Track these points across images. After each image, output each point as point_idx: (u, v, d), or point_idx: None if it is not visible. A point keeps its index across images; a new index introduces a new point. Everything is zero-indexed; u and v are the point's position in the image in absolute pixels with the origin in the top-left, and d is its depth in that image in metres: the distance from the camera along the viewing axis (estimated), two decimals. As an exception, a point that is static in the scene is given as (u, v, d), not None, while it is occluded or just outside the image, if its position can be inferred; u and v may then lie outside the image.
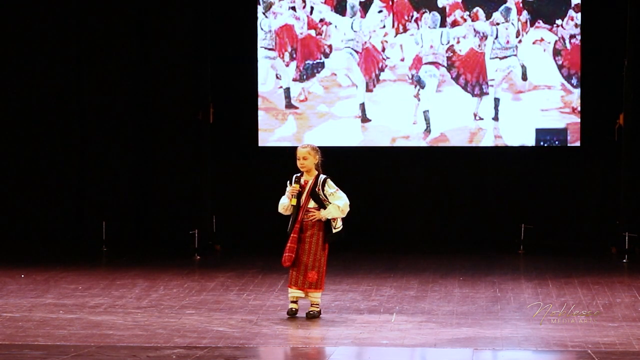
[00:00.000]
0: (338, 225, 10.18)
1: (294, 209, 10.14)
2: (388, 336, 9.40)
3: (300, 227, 10.12)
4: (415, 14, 15.96)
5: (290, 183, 10.20)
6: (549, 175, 16.24)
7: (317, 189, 10.07)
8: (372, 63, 16.06)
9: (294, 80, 16.18)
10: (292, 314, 10.18)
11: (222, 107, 15.80)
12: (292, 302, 10.23)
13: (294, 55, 16.17)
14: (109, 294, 11.69)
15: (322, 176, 10.15)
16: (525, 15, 15.81)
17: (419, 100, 16.03)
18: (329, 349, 8.89)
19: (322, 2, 16.08)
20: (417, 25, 15.95)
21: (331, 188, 10.10)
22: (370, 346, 9.02)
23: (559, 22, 15.79)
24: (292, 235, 10.13)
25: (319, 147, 10.28)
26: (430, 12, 15.93)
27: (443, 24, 15.93)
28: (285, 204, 10.20)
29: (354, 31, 16.04)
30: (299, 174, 10.19)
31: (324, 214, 10.09)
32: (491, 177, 16.29)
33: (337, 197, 10.10)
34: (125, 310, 10.62)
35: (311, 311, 10.18)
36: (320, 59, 16.15)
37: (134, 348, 8.81)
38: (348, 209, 10.12)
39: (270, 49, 16.19)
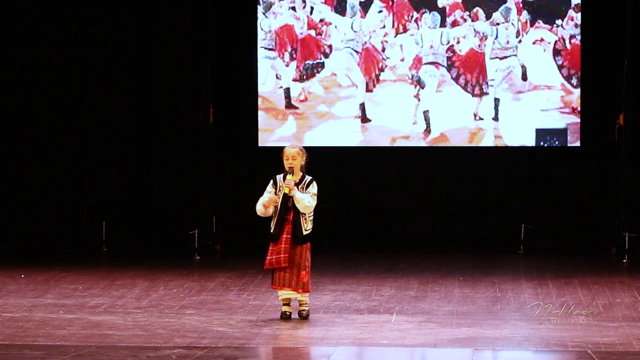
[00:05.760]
0: (308, 228, 10.11)
1: (280, 209, 10.08)
2: (388, 336, 9.40)
3: (291, 227, 10.09)
4: (415, 14, 15.96)
5: (274, 183, 10.12)
6: (549, 175, 16.23)
7: (300, 187, 10.05)
8: (372, 63, 16.06)
9: (294, 80, 16.18)
10: (287, 317, 10.16)
11: (222, 107, 15.80)
12: (285, 304, 10.18)
13: (294, 55, 16.17)
14: (109, 294, 11.69)
15: (309, 177, 10.14)
16: (525, 15, 15.81)
17: (419, 100, 16.03)
18: (329, 349, 8.89)
19: (322, 2, 16.08)
20: (417, 25, 15.95)
21: (314, 189, 10.08)
22: (370, 346, 9.02)
23: (559, 22, 15.79)
24: (284, 235, 10.09)
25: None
26: (430, 12, 15.93)
27: (443, 24, 15.93)
28: (263, 204, 10.13)
29: (354, 31, 16.04)
30: (284, 173, 10.12)
31: (296, 193, 9.96)
32: (491, 177, 16.28)
33: (312, 195, 10.03)
34: (125, 310, 10.62)
35: (303, 311, 10.17)
36: (320, 59, 16.15)
37: (134, 348, 8.80)
38: (309, 210, 10.01)
39: (270, 49, 16.19)
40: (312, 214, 10.15)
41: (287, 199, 10.04)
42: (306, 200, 9.99)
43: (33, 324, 9.88)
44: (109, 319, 10.14)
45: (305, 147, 10.40)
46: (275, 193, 10.12)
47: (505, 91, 15.92)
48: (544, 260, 14.57)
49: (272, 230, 10.12)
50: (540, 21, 15.81)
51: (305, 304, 10.19)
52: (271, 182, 10.18)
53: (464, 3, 15.89)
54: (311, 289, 10.32)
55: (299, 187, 10.05)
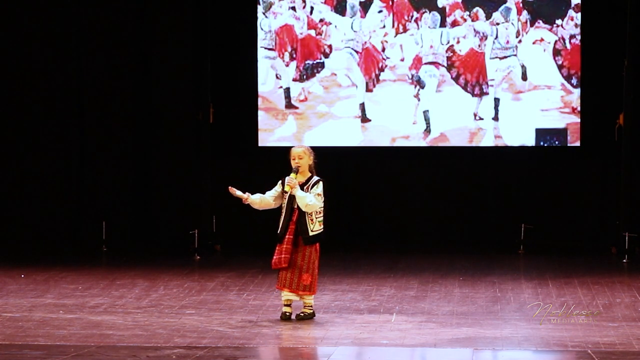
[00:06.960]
0: (316, 229, 10.07)
1: (286, 210, 10.09)
2: (388, 336, 9.39)
3: (295, 228, 10.09)
4: (415, 14, 15.96)
5: (282, 183, 10.13)
6: (549, 175, 16.23)
7: (306, 187, 10.04)
8: (372, 63, 16.06)
9: (294, 80, 16.18)
10: (286, 318, 10.14)
11: (222, 107, 15.80)
12: (286, 305, 10.16)
13: (294, 55, 16.17)
14: (109, 294, 11.69)
15: (316, 178, 10.12)
16: (525, 15, 15.81)
17: (419, 100, 16.04)
18: (329, 349, 8.89)
19: (322, 2, 16.08)
20: (417, 25, 15.95)
21: (318, 189, 10.03)
22: (370, 346, 9.02)
23: (559, 22, 15.79)
24: (287, 236, 10.08)
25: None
26: (430, 12, 15.93)
27: (443, 24, 15.93)
28: (257, 198, 10.15)
29: (354, 31, 16.04)
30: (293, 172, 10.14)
31: (296, 191, 9.96)
32: (491, 177, 16.28)
33: (316, 195, 10.00)
34: (125, 310, 10.62)
35: (302, 313, 10.13)
36: (320, 59, 16.15)
37: (134, 348, 8.81)
38: (311, 209, 9.94)
39: (270, 49, 16.19)
40: (320, 215, 10.09)
41: (292, 200, 10.03)
42: (307, 199, 9.97)
43: (33, 324, 9.88)
44: (109, 319, 10.14)
45: (306, 147, 10.37)
46: (282, 193, 10.11)
47: (505, 91, 15.92)
48: (544, 260, 14.56)
49: (278, 231, 10.13)
50: (540, 21, 15.81)
51: (310, 306, 10.15)
52: (279, 182, 10.16)
53: (464, 3, 15.89)
54: (316, 291, 10.27)
55: (305, 187, 10.04)
